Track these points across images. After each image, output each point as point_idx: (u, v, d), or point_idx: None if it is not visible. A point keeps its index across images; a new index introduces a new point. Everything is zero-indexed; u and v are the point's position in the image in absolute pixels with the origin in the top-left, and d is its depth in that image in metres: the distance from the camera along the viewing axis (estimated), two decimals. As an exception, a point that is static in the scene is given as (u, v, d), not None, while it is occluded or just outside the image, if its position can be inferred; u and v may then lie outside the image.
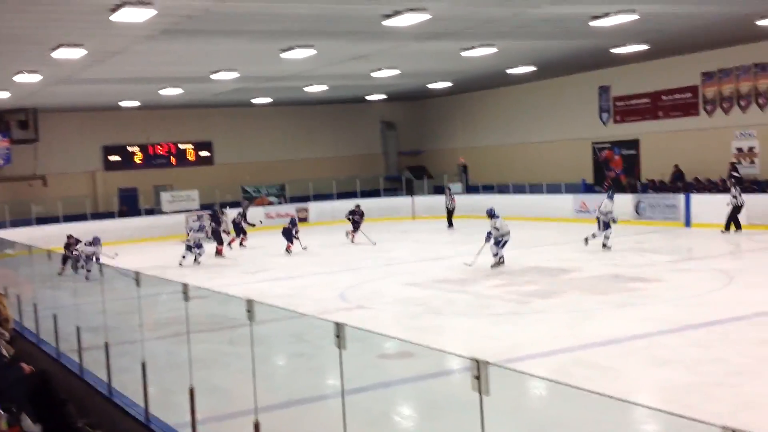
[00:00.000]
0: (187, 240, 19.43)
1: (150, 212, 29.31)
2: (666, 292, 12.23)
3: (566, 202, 25.95)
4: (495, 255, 15.82)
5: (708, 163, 23.58)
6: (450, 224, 26.03)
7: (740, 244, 17.67)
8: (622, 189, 25.25)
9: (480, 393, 2.97)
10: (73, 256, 16.30)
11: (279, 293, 13.95)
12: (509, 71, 25.77)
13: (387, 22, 15.02)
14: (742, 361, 8.14)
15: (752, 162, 22.95)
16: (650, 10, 16.03)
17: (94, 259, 16.33)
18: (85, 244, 17.63)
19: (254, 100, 30.45)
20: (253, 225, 22.97)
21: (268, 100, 30.49)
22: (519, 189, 29.26)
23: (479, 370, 2.97)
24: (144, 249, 23.60)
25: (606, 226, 17.47)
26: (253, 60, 19.85)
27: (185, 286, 5.62)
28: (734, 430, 2.57)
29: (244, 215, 23.42)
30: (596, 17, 16.24)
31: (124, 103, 27.83)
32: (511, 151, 31.71)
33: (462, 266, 15.91)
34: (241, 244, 22.71)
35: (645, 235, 19.59)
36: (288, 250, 20.14)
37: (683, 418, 2.94)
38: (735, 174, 21.50)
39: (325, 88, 27.19)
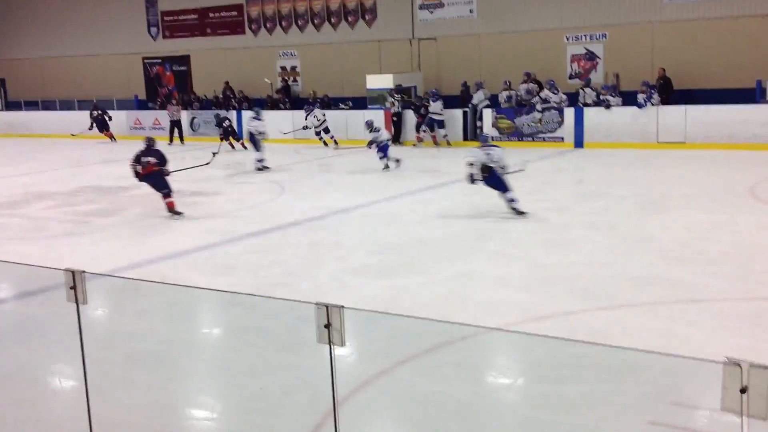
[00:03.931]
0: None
1: None
2: (226, 205, 12.73)
3: (120, 118, 25.13)
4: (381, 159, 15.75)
5: (256, 81, 24.71)
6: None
7: (293, 155, 18.98)
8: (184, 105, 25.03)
9: (77, 303, 2.84)
10: None
11: None
12: (48, -24, 23.75)
13: None
14: (297, 262, 8.90)
15: (295, 80, 24.66)
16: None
17: None
18: None
19: None
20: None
21: None
22: (67, 105, 27.56)
23: (74, 280, 2.83)
24: None
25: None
26: None
27: None
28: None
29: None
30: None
31: None
32: (55, 64, 29.52)
33: (8, 188, 14.65)
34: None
35: (202, 150, 19.94)
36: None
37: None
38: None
39: None
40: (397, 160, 15.67)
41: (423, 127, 19.82)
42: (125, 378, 5.70)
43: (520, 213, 10.68)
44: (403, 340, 5.96)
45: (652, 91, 17.52)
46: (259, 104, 23.47)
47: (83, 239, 10.51)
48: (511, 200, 10.79)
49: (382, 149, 15.63)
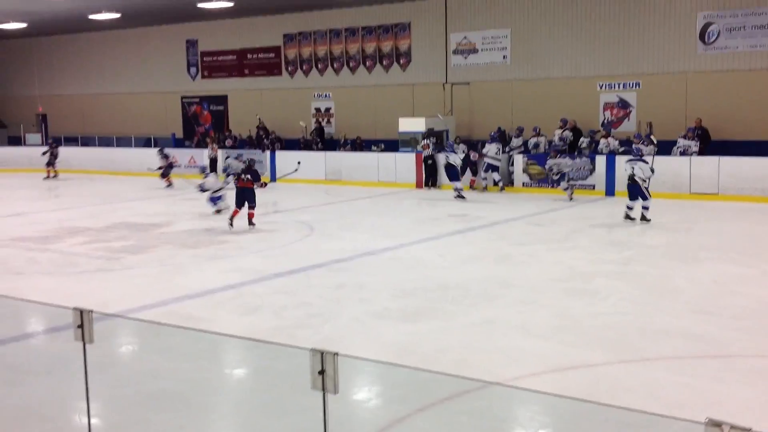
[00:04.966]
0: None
1: None
2: (254, 244, 12.83)
3: (157, 156, 25.52)
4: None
5: (291, 122, 25.02)
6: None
7: (323, 196, 19.13)
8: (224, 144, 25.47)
9: (84, 342, 2.88)
10: None
11: None
12: (92, 17, 24.40)
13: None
14: (321, 303, 8.93)
15: (329, 122, 24.93)
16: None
17: None
18: None
19: None
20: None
21: None
22: (105, 141, 28.13)
23: (82, 319, 2.88)
24: None
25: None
26: None
27: None
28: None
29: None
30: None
31: None
32: (96, 101, 30.22)
33: (43, 223, 14.94)
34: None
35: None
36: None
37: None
38: None
39: None
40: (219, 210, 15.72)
41: (483, 174, 19.60)
42: (141, 418, 5.73)
43: (647, 219, 13.74)
44: (421, 387, 5.94)
45: (694, 141, 17.49)
46: (293, 145, 23.76)
47: (113, 275, 10.66)
48: (646, 208, 13.82)
49: (213, 200, 15.81)
